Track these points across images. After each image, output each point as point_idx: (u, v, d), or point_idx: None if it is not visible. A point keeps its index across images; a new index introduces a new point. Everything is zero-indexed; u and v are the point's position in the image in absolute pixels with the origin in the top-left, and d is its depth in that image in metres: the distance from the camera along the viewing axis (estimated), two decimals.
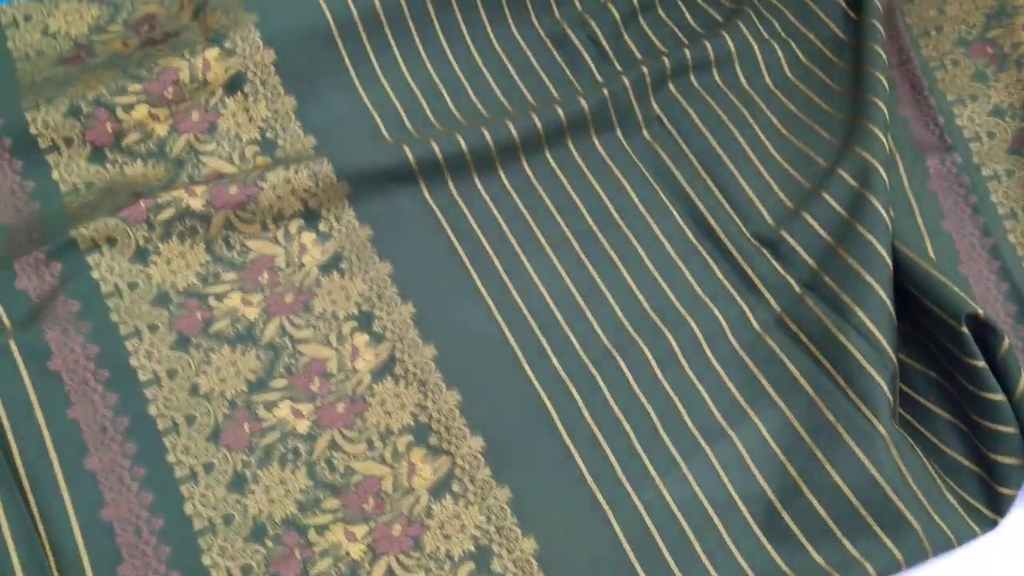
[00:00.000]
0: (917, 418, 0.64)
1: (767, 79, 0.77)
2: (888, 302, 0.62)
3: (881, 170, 0.67)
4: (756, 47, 0.78)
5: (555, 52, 0.76)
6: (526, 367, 0.64)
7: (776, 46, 0.78)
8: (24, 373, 0.59)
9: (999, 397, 0.60)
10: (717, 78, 0.76)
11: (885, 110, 0.71)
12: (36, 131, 0.66)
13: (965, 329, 0.60)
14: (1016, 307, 0.68)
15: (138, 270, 0.64)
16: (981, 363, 0.60)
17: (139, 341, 0.61)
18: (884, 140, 0.69)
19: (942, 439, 0.63)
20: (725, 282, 0.68)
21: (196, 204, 0.64)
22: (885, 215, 0.65)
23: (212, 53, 0.70)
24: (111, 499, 0.57)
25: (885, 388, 0.60)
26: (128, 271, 0.63)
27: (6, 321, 0.60)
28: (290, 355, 0.63)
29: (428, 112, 0.72)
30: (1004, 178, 0.73)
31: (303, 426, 0.61)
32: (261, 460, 0.59)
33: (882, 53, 0.74)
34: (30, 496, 0.56)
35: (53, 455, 0.57)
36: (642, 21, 0.78)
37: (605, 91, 0.72)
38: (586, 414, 0.62)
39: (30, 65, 0.71)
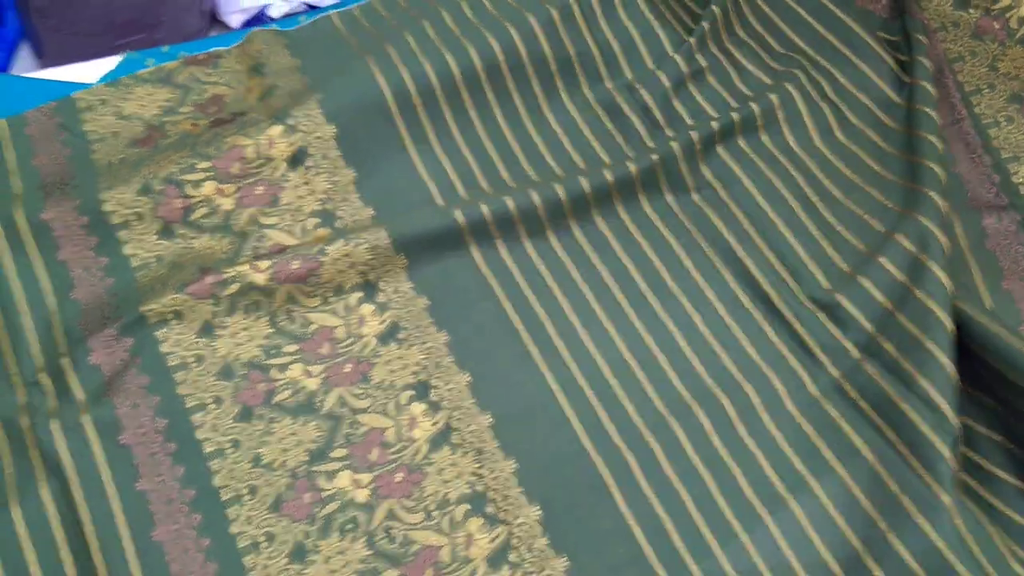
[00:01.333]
0: (980, 482, 0.61)
1: (817, 141, 0.75)
2: (950, 368, 0.60)
3: (939, 235, 0.64)
4: (805, 109, 0.76)
5: (607, 121, 0.75)
6: (582, 435, 0.62)
7: (826, 107, 0.76)
8: (96, 448, 0.59)
9: None
10: (766, 141, 0.74)
11: (941, 174, 0.68)
12: (110, 209, 0.67)
13: None
14: None
15: (204, 343, 0.64)
16: None
17: (205, 414, 0.62)
18: (941, 205, 0.66)
19: (1008, 503, 0.60)
20: (781, 347, 0.66)
21: (260, 279, 0.65)
22: (944, 280, 0.62)
23: (276, 130, 0.70)
24: (177, 570, 0.57)
25: (948, 456, 0.57)
26: (195, 344, 0.64)
27: (80, 396, 0.61)
28: (350, 425, 0.62)
29: (482, 183, 0.72)
30: None
31: (362, 496, 0.60)
32: (321, 530, 0.59)
33: (933, 115, 0.71)
34: (101, 570, 0.56)
35: (123, 527, 0.57)
36: (691, 87, 0.77)
37: (654, 156, 0.71)
38: (643, 483, 0.61)
39: (105, 146, 0.73)
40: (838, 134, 0.75)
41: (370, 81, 0.72)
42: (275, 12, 1.91)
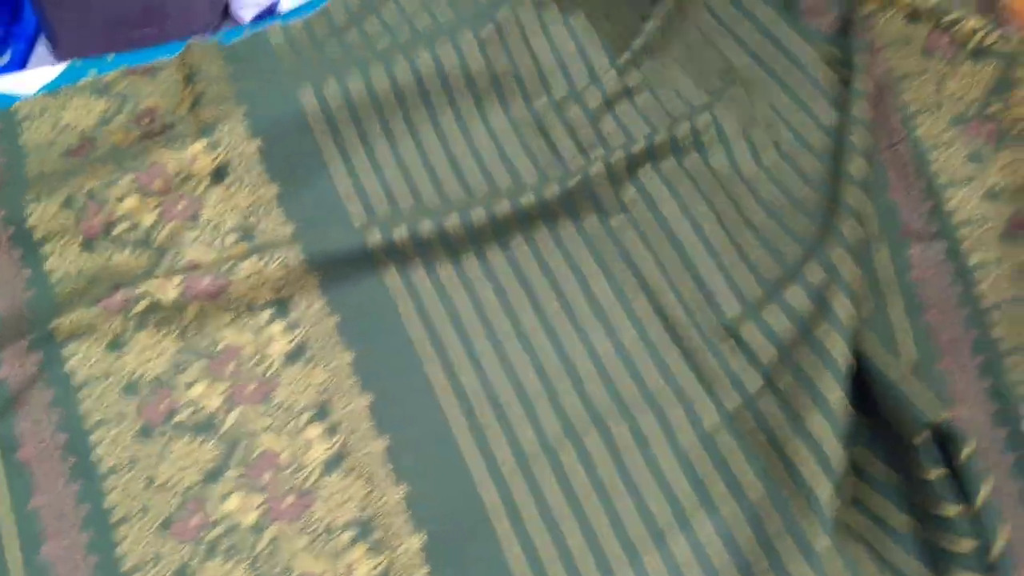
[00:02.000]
0: (874, 521, 0.58)
1: (745, 163, 0.72)
2: (842, 409, 0.57)
3: (848, 268, 0.61)
4: (735, 130, 0.72)
5: (534, 140, 0.73)
6: (473, 462, 0.61)
7: (757, 129, 0.73)
8: None
9: (956, 511, 0.54)
10: (693, 162, 0.71)
11: (857, 203, 0.65)
12: (34, 222, 0.67)
13: (923, 438, 0.55)
14: (998, 406, 0.61)
15: (113, 359, 0.64)
16: (935, 473, 0.54)
17: (106, 430, 0.61)
18: (853, 236, 0.63)
19: (905, 549, 0.57)
20: (682, 376, 0.63)
21: (170, 295, 0.64)
22: (847, 315, 0.60)
23: (199, 145, 0.69)
24: None
25: (828, 499, 0.55)
26: (103, 360, 0.63)
27: None
28: (246, 446, 0.62)
29: (404, 200, 0.70)
30: (993, 266, 0.66)
31: (250, 519, 0.59)
32: (206, 553, 0.58)
33: (861, 140, 0.68)
34: None
35: (12, 544, 0.57)
36: (621, 106, 0.74)
37: (576, 178, 0.69)
38: (526, 513, 0.59)
39: (39, 157, 0.73)
40: (768, 156, 0.72)
41: (297, 96, 0.71)
42: (285, 5, 1.91)
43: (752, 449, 0.60)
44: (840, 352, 0.58)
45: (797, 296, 0.62)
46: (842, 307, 0.59)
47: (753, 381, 0.62)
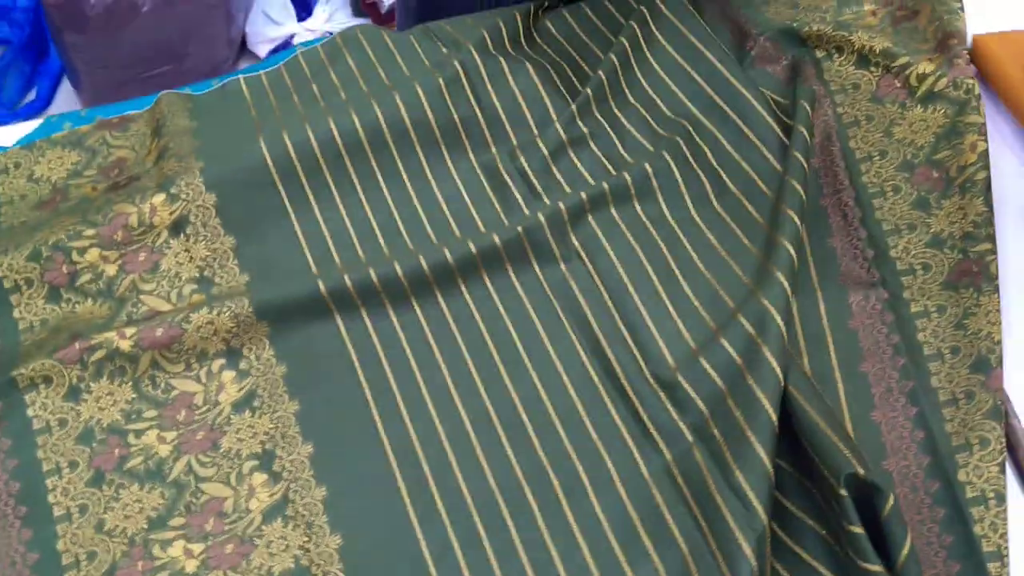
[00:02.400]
0: None
1: (692, 210, 0.72)
2: (767, 462, 0.57)
3: (778, 320, 0.61)
4: (681, 177, 0.73)
5: (488, 188, 0.74)
6: (411, 513, 0.62)
7: (704, 176, 0.73)
8: None
9: (876, 568, 0.53)
10: (640, 210, 0.72)
11: (792, 253, 0.65)
12: (3, 273, 0.70)
13: (844, 492, 0.54)
14: (930, 458, 0.61)
15: (69, 407, 0.65)
16: (858, 529, 0.54)
17: (58, 478, 0.63)
18: (786, 287, 0.63)
19: None
20: (620, 425, 0.64)
21: (125, 345, 0.66)
22: (776, 368, 0.59)
23: (159, 198, 0.71)
24: None
25: (749, 554, 0.55)
26: (60, 408, 0.65)
27: None
28: (192, 493, 0.63)
29: (359, 250, 0.72)
30: (935, 314, 0.65)
31: (192, 566, 0.60)
32: None
33: (800, 189, 0.68)
34: None
35: None
36: (572, 154, 0.75)
37: (523, 225, 0.70)
38: (462, 564, 0.60)
39: (12, 209, 0.75)
40: (715, 203, 0.72)
41: (254, 149, 0.73)
42: (300, 40, 1.95)
43: (684, 501, 0.60)
44: (768, 408, 0.58)
45: (730, 347, 0.62)
46: (771, 362, 0.59)
47: (687, 432, 0.62)
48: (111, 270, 0.71)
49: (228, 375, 0.67)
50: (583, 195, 0.71)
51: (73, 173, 0.77)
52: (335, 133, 0.73)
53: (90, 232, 0.71)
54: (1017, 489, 0.61)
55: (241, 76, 0.83)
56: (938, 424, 0.61)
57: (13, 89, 1.90)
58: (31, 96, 1.91)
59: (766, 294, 0.63)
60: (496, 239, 0.69)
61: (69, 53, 1.78)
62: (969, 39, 0.75)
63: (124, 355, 0.66)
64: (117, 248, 0.71)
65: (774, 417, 0.58)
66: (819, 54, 0.77)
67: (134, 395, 0.66)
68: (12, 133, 0.81)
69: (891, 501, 0.54)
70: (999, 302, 0.63)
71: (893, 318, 0.65)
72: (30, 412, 0.65)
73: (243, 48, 1.94)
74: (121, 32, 1.74)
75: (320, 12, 1.95)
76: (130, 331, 0.66)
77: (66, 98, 1.91)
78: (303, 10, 1.97)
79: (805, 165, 0.69)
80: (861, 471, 0.54)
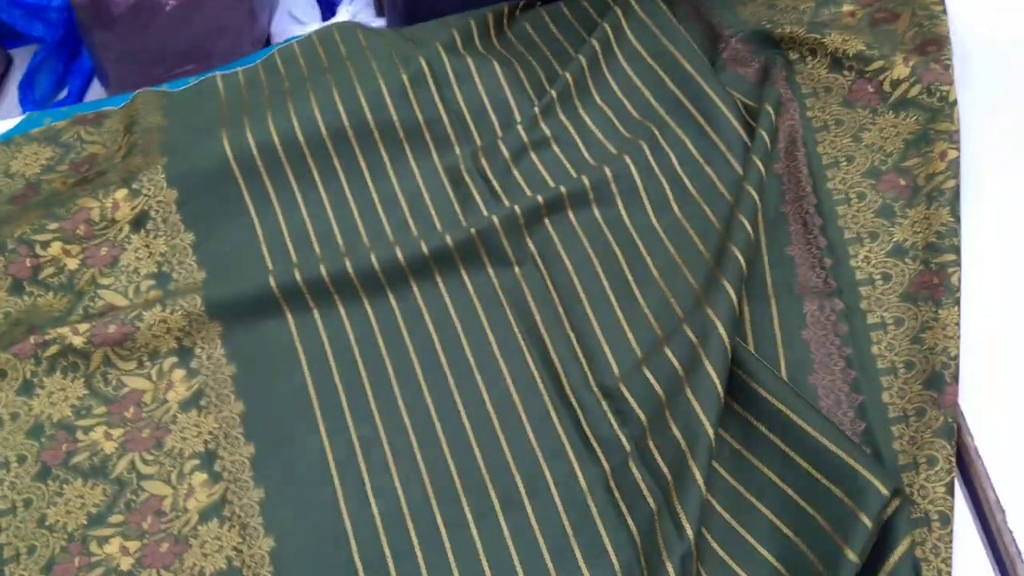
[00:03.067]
0: None
1: (651, 216, 0.69)
2: (700, 481, 0.55)
3: (722, 331, 0.59)
4: (641, 181, 0.70)
5: (449, 189, 0.72)
6: (345, 517, 0.60)
7: (665, 180, 0.71)
8: None
9: None
10: (598, 214, 0.70)
11: (742, 263, 0.62)
12: None
13: (867, 521, 0.52)
14: None
15: (22, 401, 0.65)
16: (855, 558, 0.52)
17: (6, 472, 0.63)
18: (732, 297, 0.60)
19: None
20: (562, 434, 0.62)
21: (78, 342, 0.66)
22: (716, 380, 0.57)
23: (121, 193, 0.71)
24: None
25: (674, 572, 0.52)
26: (13, 402, 0.65)
27: None
28: (133, 491, 0.62)
29: (316, 248, 0.70)
30: (891, 327, 0.62)
31: (127, 564, 0.60)
32: None
33: (755, 195, 0.65)
34: None
35: None
36: (534, 156, 0.73)
37: (476, 227, 0.68)
38: (394, 574, 0.58)
39: None
40: (676, 209, 0.69)
41: (216, 146, 0.72)
42: None
43: (619, 514, 0.58)
44: (704, 421, 0.56)
45: (671, 358, 0.60)
46: (710, 372, 0.57)
47: (627, 443, 0.60)
48: (73, 264, 0.71)
49: (178, 373, 0.67)
50: (540, 199, 0.69)
51: (47, 168, 0.78)
52: (297, 131, 0.72)
53: (53, 226, 0.70)
54: (967, 508, 0.57)
55: (219, 74, 0.82)
56: (886, 441, 0.58)
57: (46, 87, 1.93)
58: (63, 94, 1.93)
59: (712, 304, 0.60)
60: (448, 240, 0.68)
61: (97, 51, 1.80)
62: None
63: (77, 351, 0.66)
64: (79, 242, 0.71)
65: (711, 433, 0.56)
66: (792, 56, 0.74)
67: (86, 391, 0.66)
68: None
69: (904, 546, 0.52)
70: (959, 315, 0.60)
71: (847, 329, 0.62)
72: None
73: (268, 47, 1.95)
74: (146, 30, 1.75)
75: (344, 11, 1.95)
76: (83, 327, 0.66)
77: (96, 96, 1.93)
78: (327, 10, 1.97)
79: (763, 171, 0.66)
80: (886, 491, 0.52)
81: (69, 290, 0.70)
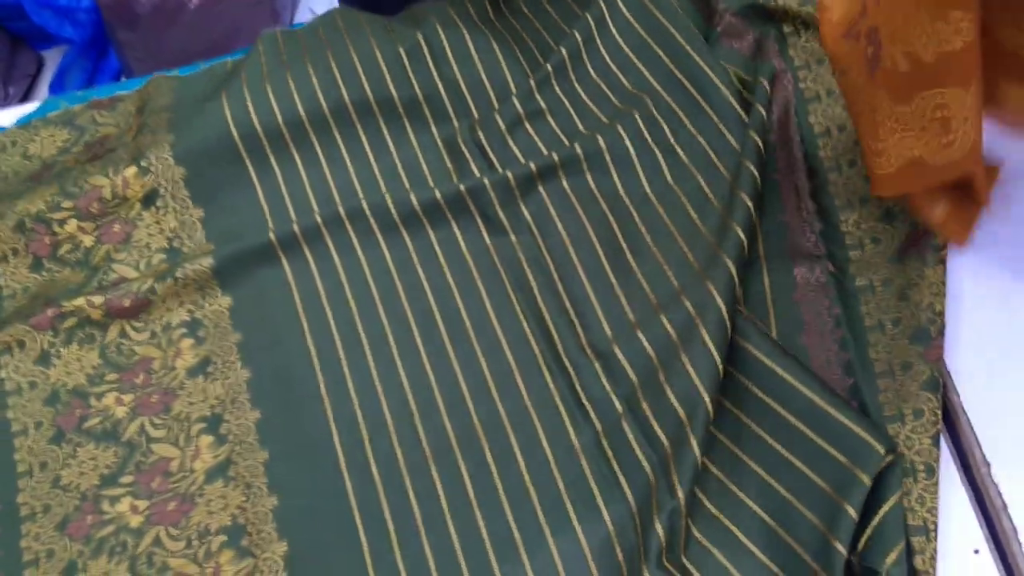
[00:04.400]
0: (728, 556, 0.56)
1: (645, 185, 0.70)
2: (696, 448, 0.56)
3: (721, 304, 0.60)
4: (635, 151, 0.71)
5: (447, 160, 0.74)
6: (346, 475, 0.62)
7: (659, 152, 0.71)
8: None
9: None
10: (583, 187, 0.71)
11: (743, 237, 0.63)
12: None
13: (865, 477, 0.53)
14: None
15: (39, 371, 0.67)
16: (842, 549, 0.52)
17: (25, 437, 0.65)
18: (733, 273, 0.61)
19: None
20: (555, 394, 0.63)
21: (95, 314, 0.68)
22: (714, 351, 0.58)
23: (131, 171, 0.73)
24: None
25: (660, 532, 0.54)
26: (31, 371, 0.67)
27: None
28: (142, 453, 0.64)
29: (317, 215, 0.72)
30: (880, 288, 0.62)
31: (136, 521, 0.62)
32: (94, 551, 0.61)
33: (754, 171, 0.66)
34: None
35: None
36: (529, 127, 0.74)
37: (463, 186, 0.69)
38: (391, 530, 0.60)
39: (5, 184, 0.78)
40: (668, 179, 0.70)
41: (221, 123, 0.74)
42: None
43: (612, 473, 0.59)
44: (702, 390, 0.56)
45: (666, 325, 0.61)
46: (708, 342, 0.58)
47: (616, 403, 0.61)
48: (88, 241, 0.73)
49: (187, 342, 0.68)
50: (533, 166, 0.70)
51: (62, 151, 0.80)
52: (299, 105, 0.74)
53: (68, 204, 0.73)
54: (952, 463, 0.58)
55: (231, 59, 0.84)
56: (872, 395, 0.59)
57: (75, 86, 1.97)
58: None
59: (711, 278, 0.61)
60: (438, 194, 0.69)
61: (123, 50, 1.84)
62: None
63: (94, 323, 0.68)
64: (93, 220, 0.73)
65: (709, 402, 0.57)
66: (786, 29, 0.74)
67: (100, 360, 0.68)
68: (11, 115, 0.84)
69: (893, 500, 0.53)
70: (944, 273, 0.60)
71: (836, 291, 0.63)
72: (3, 374, 0.67)
73: None
74: (170, 29, 1.79)
75: None
76: (98, 300, 0.68)
77: None
78: None
79: (761, 146, 0.66)
80: (882, 451, 0.52)
81: (85, 266, 0.72)
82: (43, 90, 1.98)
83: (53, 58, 2.00)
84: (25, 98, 2.01)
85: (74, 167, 0.77)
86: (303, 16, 1.96)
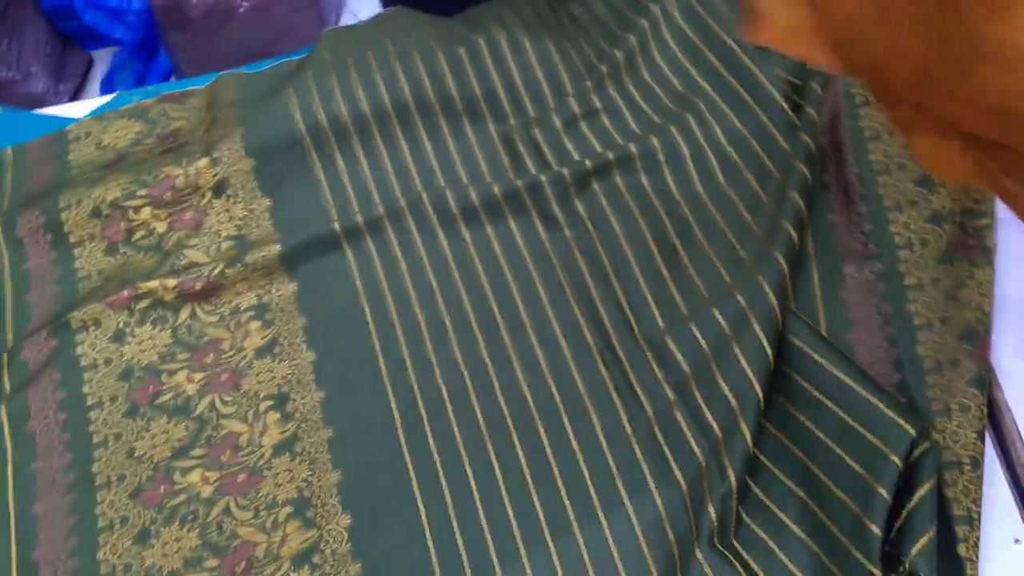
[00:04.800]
0: (771, 536, 0.59)
1: (697, 185, 0.73)
2: (748, 438, 0.58)
3: (772, 299, 0.62)
4: (688, 151, 0.74)
5: (504, 156, 0.77)
6: (406, 452, 0.65)
7: (710, 152, 0.74)
8: (6, 433, 0.67)
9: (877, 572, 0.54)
10: (638, 185, 0.73)
11: (794, 236, 0.65)
12: (68, 228, 0.76)
13: (895, 459, 0.55)
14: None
15: (114, 348, 0.71)
16: (876, 530, 0.54)
17: (100, 411, 0.68)
18: (785, 270, 0.63)
19: (792, 560, 0.57)
20: (608, 383, 0.65)
21: (168, 296, 0.71)
22: (766, 345, 0.60)
23: (203, 162, 0.77)
24: (44, 540, 0.64)
25: (712, 513, 0.56)
26: (106, 348, 0.71)
27: (7, 387, 0.69)
28: (213, 428, 0.67)
29: (380, 207, 0.75)
30: (929, 287, 0.64)
31: (207, 491, 0.65)
32: (166, 518, 0.64)
33: (805, 171, 0.68)
34: None
35: (12, 499, 0.65)
36: (584, 127, 0.77)
37: (521, 182, 0.72)
38: (449, 504, 0.62)
39: (81, 172, 0.82)
40: (720, 178, 0.73)
41: (288, 117, 0.78)
42: None
43: (663, 458, 0.61)
44: (754, 381, 0.59)
45: (719, 317, 0.63)
46: (760, 335, 0.60)
47: (668, 391, 0.63)
48: (161, 227, 0.77)
49: (254, 324, 0.72)
50: (588, 163, 0.73)
51: (135, 142, 0.83)
52: (363, 101, 0.78)
53: (143, 192, 0.76)
54: (996, 457, 0.60)
55: (295, 58, 0.88)
56: (920, 391, 0.61)
57: (125, 86, 2.02)
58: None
59: (763, 273, 0.63)
60: (496, 189, 0.72)
61: (174, 52, 1.89)
62: None
63: (167, 305, 0.71)
64: (167, 207, 0.77)
65: (760, 393, 0.59)
66: None
67: (171, 340, 0.71)
68: (87, 107, 0.88)
69: (925, 488, 0.54)
70: (992, 275, 0.62)
71: (885, 289, 0.65)
72: (79, 351, 0.71)
73: None
74: (220, 32, 1.83)
75: None
76: (171, 282, 0.71)
77: None
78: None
79: (812, 148, 0.69)
80: (912, 431, 0.54)
81: (158, 251, 0.76)
82: (94, 89, 2.03)
83: (103, 58, 2.05)
84: (75, 97, 2.06)
85: (148, 159, 0.80)
86: (347, 20, 2.00)
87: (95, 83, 2.05)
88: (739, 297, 0.64)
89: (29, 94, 1.89)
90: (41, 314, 0.74)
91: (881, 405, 0.56)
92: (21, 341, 0.71)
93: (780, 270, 0.63)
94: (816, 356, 0.60)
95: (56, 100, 1.97)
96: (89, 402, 0.69)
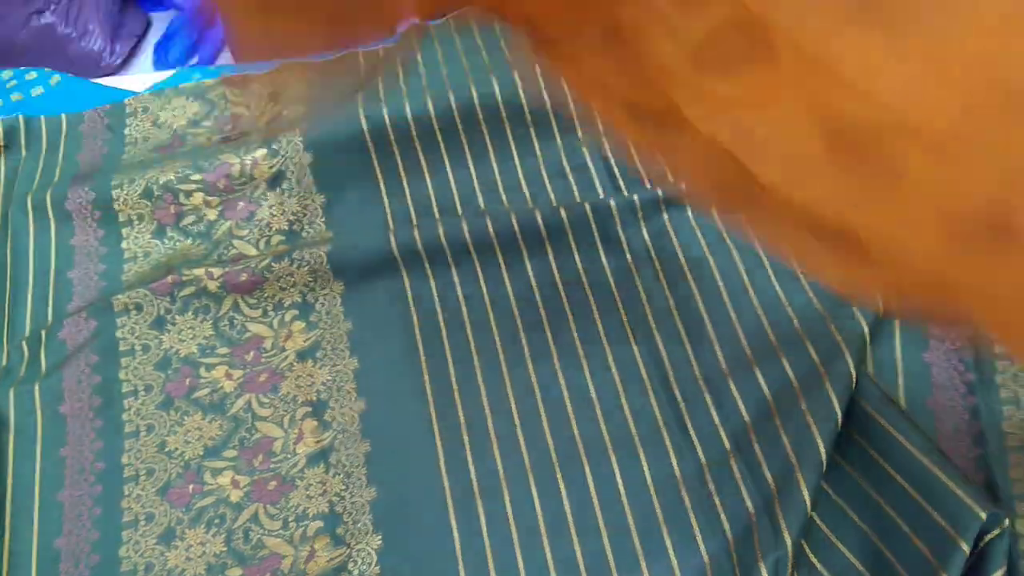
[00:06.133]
0: None
1: None
2: (808, 500, 0.55)
3: (850, 362, 0.59)
4: None
5: (571, 177, 0.74)
6: (444, 477, 0.63)
7: None
8: (39, 413, 0.66)
9: None
10: (715, 215, 0.71)
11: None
12: (118, 207, 0.75)
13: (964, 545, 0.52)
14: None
15: (153, 335, 0.69)
16: None
17: (134, 399, 0.67)
18: (865, 330, 0.61)
19: None
20: (660, 422, 0.63)
21: (212, 286, 0.70)
22: (837, 409, 0.57)
23: (261, 153, 0.75)
24: (67, 530, 0.62)
25: (767, 574, 0.53)
26: (145, 335, 0.69)
27: (43, 366, 0.68)
28: (247, 429, 0.66)
29: (440, 226, 0.72)
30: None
31: (236, 496, 0.63)
32: (192, 520, 0.63)
33: None
34: (8, 517, 0.62)
35: (38, 484, 0.64)
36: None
37: (588, 205, 0.70)
38: (485, 536, 0.60)
39: (135, 149, 0.80)
40: None
41: (353, 117, 0.76)
42: None
43: (713, 508, 0.59)
44: (820, 444, 0.56)
45: (787, 368, 0.61)
46: (832, 399, 0.57)
47: (724, 439, 0.60)
48: (212, 214, 0.75)
49: (298, 325, 0.70)
50: (660, 192, 0.70)
51: (192, 122, 0.82)
52: (430, 109, 0.75)
53: (197, 177, 0.75)
54: None
55: (360, 50, 0.86)
56: (1001, 469, 0.58)
57: (178, 53, 2.01)
58: (194, 60, 2.01)
59: (841, 330, 0.60)
60: (563, 213, 0.70)
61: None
62: None
63: (211, 295, 0.70)
64: (219, 195, 0.75)
65: (823, 454, 0.56)
66: None
67: (212, 332, 0.70)
68: (145, 81, 0.86)
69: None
70: None
71: (972, 356, 0.62)
72: (118, 334, 0.69)
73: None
74: None
75: None
76: (217, 272, 0.70)
77: (227, 62, 2.00)
78: None
79: None
80: (983, 515, 0.52)
81: (207, 239, 0.74)
82: (147, 51, 2.03)
83: (161, 21, 2.04)
84: (129, 58, 2.05)
85: (208, 146, 0.79)
86: None
87: (150, 46, 2.04)
88: (812, 351, 0.61)
89: (84, 52, 1.88)
90: (83, 292, 0.73)
91: (951, 484, 0.53)
92: (61, 320, 0.70)
93: (861, 332, 0.60)
94: (886, 423, 0.57)
95: (111, 60, 1.97)
96: (124, 389, 0.68)
